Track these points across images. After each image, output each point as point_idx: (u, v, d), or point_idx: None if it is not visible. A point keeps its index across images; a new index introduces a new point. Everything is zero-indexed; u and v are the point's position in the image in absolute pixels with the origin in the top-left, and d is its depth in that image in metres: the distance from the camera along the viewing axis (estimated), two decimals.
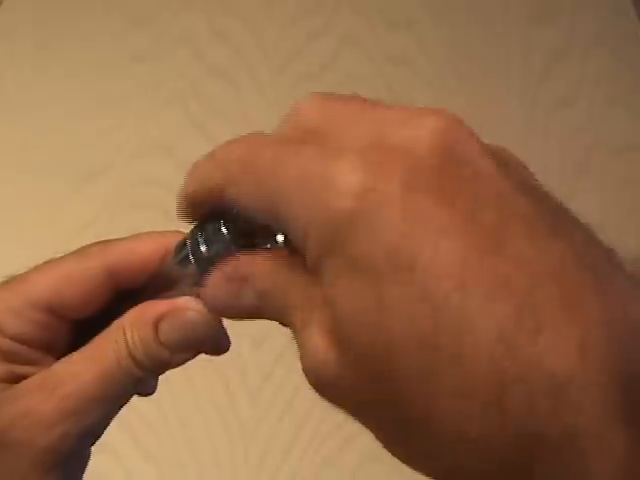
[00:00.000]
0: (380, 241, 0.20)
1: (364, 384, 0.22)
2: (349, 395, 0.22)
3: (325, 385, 0.23)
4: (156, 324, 0.28)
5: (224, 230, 0.26)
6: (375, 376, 0.21)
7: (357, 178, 0.21)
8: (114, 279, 0.30)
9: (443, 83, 0.97)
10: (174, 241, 0.29)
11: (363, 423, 0.23)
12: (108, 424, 0.30)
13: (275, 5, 1.02)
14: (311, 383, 0.23)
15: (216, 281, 0.26)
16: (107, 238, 0.31)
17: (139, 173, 0.90)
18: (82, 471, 0.31)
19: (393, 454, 0.23)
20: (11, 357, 0.29)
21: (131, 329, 0.28)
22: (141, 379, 0.29)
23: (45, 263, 0.31)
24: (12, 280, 0.30)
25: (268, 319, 0.26)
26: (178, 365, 0.29)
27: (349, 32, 1.00)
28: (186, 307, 0.28)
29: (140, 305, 0.29)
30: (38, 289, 0.30)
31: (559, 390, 0.19)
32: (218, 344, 0.31)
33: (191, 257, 0.27)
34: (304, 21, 1.01)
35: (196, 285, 0.28)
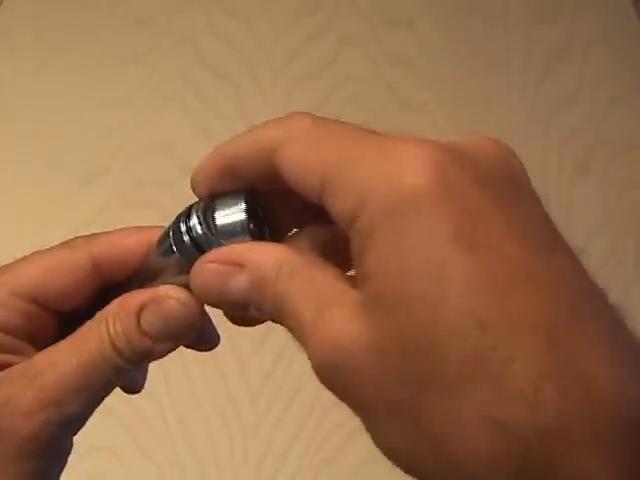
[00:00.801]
0: (448, 218, 0.21)
1: (395, 351, 0.21)
2: (372, 372, 0.22)
3: (346, 365, 0.22)
4: (139, 313, 0.28)
5: (243, 206, 0.26)
6: (412, 338, 0.21)
7: (432, 160, 0.22)
8: (99, 271, 0.30)
9: (443, 83, 0.97)
10: (158, 234, 0.29)
11: (372, 412, 0.22)
12: (91, 414, 0.30)
13: (275, 5, 1.02)
14: (326, 371, 0.23)
15: (207, 263, 0.26)
16: None
17: (139, 173, 0.90)
18: (63, 461, 0.31)
19: (394, 450, 0.22)
20: None
21: (114, 319, 0.28)
22: (124, 369, 0.29)
23: (31, 254, 0.31)
24: None
25: (254, 314, 0.25)
26: (161, 356, 0.29)
27: (349, 32, 1.00)
28: (167, 295, 0.28)
29: (123, 295, 0.29)
30: (23, 279, 0.30)
31: (588, 384, 0.20)
32: (206, 337, 0.31)
33: (174, 246, 0.27)
34: (304, 21, 1.01)
35: (179, 274, 0.28)
